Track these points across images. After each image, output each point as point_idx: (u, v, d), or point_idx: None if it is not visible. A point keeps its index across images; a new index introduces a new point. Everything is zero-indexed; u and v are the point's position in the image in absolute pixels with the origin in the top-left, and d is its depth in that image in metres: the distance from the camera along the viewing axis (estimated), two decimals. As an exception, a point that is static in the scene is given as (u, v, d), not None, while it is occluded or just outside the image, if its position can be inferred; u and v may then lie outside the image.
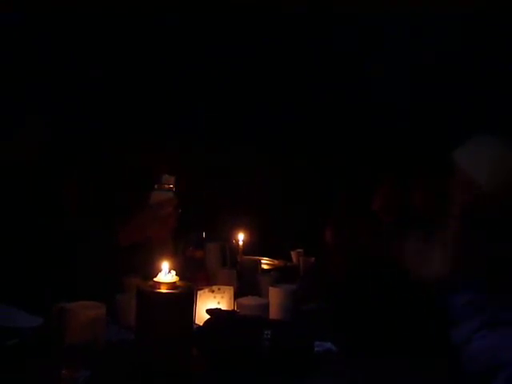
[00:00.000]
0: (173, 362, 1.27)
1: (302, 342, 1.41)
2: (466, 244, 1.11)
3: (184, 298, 1.30)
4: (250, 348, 1.37)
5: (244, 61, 3.33)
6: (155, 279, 1.29)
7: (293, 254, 2.61)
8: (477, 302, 1.06)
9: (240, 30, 3.21)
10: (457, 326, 1.06)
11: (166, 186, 1.75)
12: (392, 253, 1.38)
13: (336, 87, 3.31)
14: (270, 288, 1.78)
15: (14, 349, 1.28)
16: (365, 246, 2.32)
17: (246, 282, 2.02)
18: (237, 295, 1.75)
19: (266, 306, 1.67)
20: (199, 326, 1.49)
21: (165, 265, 1.31)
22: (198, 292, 1.65)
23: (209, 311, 1.50)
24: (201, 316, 1.55)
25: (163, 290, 1.28)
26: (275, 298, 1.74)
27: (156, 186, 1.75)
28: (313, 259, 2.48)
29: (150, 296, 1.27)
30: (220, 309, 1.57)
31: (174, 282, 1.29)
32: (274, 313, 1.71)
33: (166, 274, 1.30)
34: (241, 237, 2.45)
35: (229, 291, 1.73)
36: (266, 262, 2.52)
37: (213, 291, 1.71)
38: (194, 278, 1.79)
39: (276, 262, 2.56)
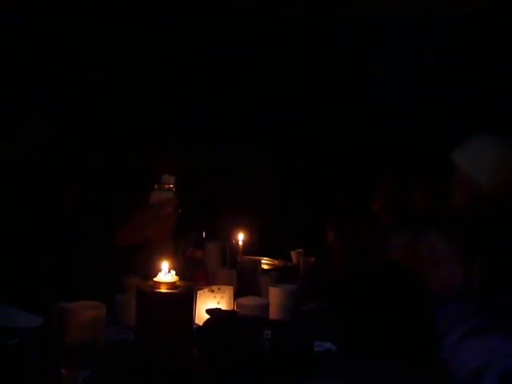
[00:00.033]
0: (173, 361, 1.27)
1: (302, 342, 1.41)
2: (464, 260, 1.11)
3: (184, 298, 1.30)
4: (250, 348, 1.37)
5: (244, 61, 3.33)
6: (155, 279, 1.29)
7: (293, 254, 2.61)
8: (463, 313, 1.06)
9: (240, 29, 3.21)
10: (442, 339, 1.07)
11: (166, 186, 1.75)
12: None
13: (336, 87, 3.31)
14: (270, 288, 1.78)
15: (14, 349, 1.28)
16: (365, 245, 2.33)
17: (245, 282, 2.02)
18: (237, 295, 1.75)
19: (266, 306, 1.67)
20: (199, 325, 1.49)
21: (165, 265, 1.31)
22: (198, 292, 1.65)
23: (209, 311, 1.50)
24: (201, 316, 1.55)
25: (163, 289, 1.28)
26: (275, 298, 1.74)
27: (156, 186, 1.75)
28: (313, 259, 2.48)
29: (150, 296, 1.28)
30: (220, 309, 1.57)
31: (174, 282, 1.29)
32: (273, 313, 1.71)
33: (166, 274, 1.30)
34: (241, 237, 2.45)
35: (229, 291, 1.73)
36: (266, 262, 2.52)
37: (213, 291, 1.71)
38: (193, 278, 1.79)
39: (276, 262, 2.56)
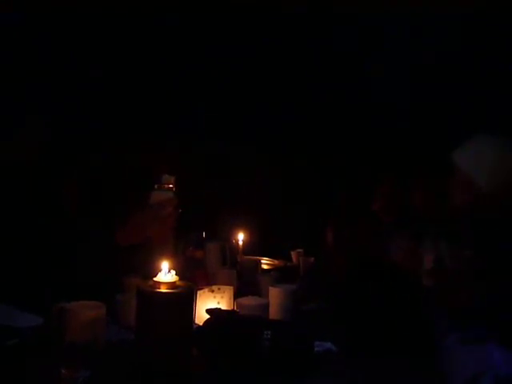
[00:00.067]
0: (173, 361, 1.27)
1: (302, 342, 1.41)
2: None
3: (184, 298, 1.30)
4: (249, 348, 1.37)
5: (244, 61, 3.33)
6: (155, 279, 1.29)
7: (293, 254, 2.61)
8: (452, 324, 1.06)
9: (240, 29, 3.21)
10: (440, 349, 1.07)
11: (166, 186, 1.75)
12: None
13: (336, 87, 3.31)
14: (270, 288, 1.78)
15: (14, 349, 1.28)
16: (365, 246, 2.33)
17: (245, 282, 2.02)
18: (237, 295, 1.75)
19: (266, 306, 1.67)
20: (199, 325, 1.49)
21: (165, 265, 1.31)
22: (198, 292, 1.65)
23: (209, 311, 1.50)
24: (201, 316, 1.55)
25: (163, 289, 1.28)
26: (275, 297, 1.74)
27: (156, 186, 1.75)
28: (313, 259, 2.48)
29: (150, 296, 1.28)
30: (220, 309, 1.57)
31: (174, 282, 1.29)
32: (273, 313, 1.71)
33: (166, 274, 1.30)
34: (241, 237, 2.45)
35: (229, 291, 1.73)
36: (265, 262, 2.52)
37: (213, 291, 1.71)
38: (193, 278, 1.79)
39: (276, 262, 2.56)
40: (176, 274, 1.31)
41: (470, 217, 1.65)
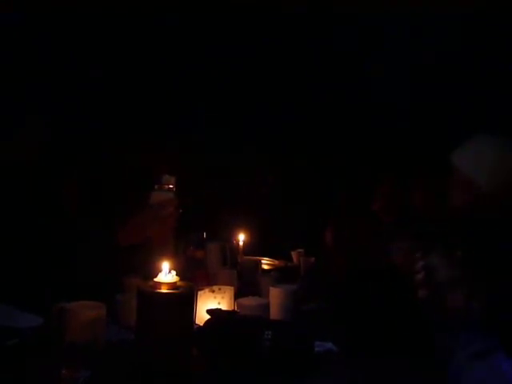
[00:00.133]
0: (173, 361, 1.27)
1: (303, 342, 1.41)
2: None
3: (184, 299, 1.30)
4: (250, 348, 1.37)
5: (244, 61, 3.33)
6: (156, 279, 1.29)
7: (293, 254, 2.61)
8: (464, 338, 1.05)
9: (240, 29, 3.21)
10: (449, 362, 1.06)
11: (167, 187, 1.75)
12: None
13: (336, 87, 3.31)
14: (271, 288, 1.78)
15: (14, 349, 1.28)
16: (365, 246, 2.33)
17: (246, 282, 2.02)
18: (237, 295, 1.75)
19: (267, 306, 1.67)
20: (200, 326, 1.49)
21: (165, 265, 1.31)
22: (199, 292, 1.65)
23: (209, 311, 1.50)
24: (201, 316, 1.55)
25: (164, 290, 1.28)
26: (275, 298, 1.74)
27: (156, 187, 1.75)
28: (313, 259, 2.48)
29: (150, 296, 1.27)
30: (220, 309, 1.57)
31: (175, 282, 1.29)
32: (274, 313, 1.70)
33: (167, 275, 1.29)
34: (241, 237, 2.45)
35: (229, 291, 1.73)
36: (266, 263, 2.52)
37: (213, 291, 1.71)
38: (194, 278, 1.79)
39: (276, 262, 2.56)
40: (176, 275, 1.31)
41: (470, 217, 1.65)
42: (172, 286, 1.29)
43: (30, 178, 1.81)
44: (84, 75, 2.89)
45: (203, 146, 3.28)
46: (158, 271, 1.31)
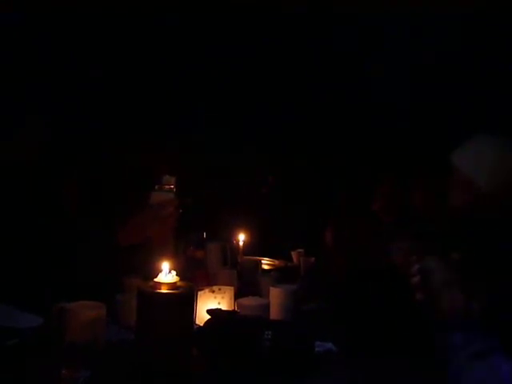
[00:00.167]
0: (173, 361, 1.27)
1: (303, 342, 1.41)
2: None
3: (184, 299, 1.30)
4: (250, 348, 1.37)
5: (244, 61, 3.33)
6: (156, 279, 1.29)
7: (293, 254, 2.61)
8: (464, 339, 1.05)
9: (240, 29, 3.21)
10: (449, 362, 1.06)
11: (167, 187, 1.75)
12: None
13: (336, 87, 3.32)
14: (271, 288, 1.78)
15: (14, 349, 1.28)
16: (365, 246, 2.33)
17: (246, 283, 2.02)
18: (237, 295, 1.75)
19: (267, 307, 1.67)
20: (200, 326, 1.49)
21: (165, 265, 1.31)
22: (199, 292, 1.65)
23: (209, 311, 1.50)
24: (201, 316, 1.55)
25: (164, 290, 1.28)
26: (276, 298, 1.74)
27: (156, 187, 1.75)
28: (313, 259, 2.48)
29: (150, 296, 1.27)
30: (220, 309, 1.57)
31: (175, 283, 1.29)
32: (274, 313, 1.70)
33: (167, 275, 1.30)
34: (241, 237, 2.45)
35: (229, 291, 1.73)
36: (266, 263, 2.52)
37: (213, 291, 1.71)
38: (194, 279, 1.79)
39: (276, 262, 2.56)
40: (176, 275, 1.31)
41: (470, 217, 1.65)
42: (172, 286, 1.29)
43: (30, 177, 1.81)
44: (84, 75, 2.89)
45: (203, 146, 3.28)
46: (158, 271, 1.31)
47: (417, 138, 3.05)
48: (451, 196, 1.76)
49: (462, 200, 1.70)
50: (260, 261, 2.36)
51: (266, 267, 2.44)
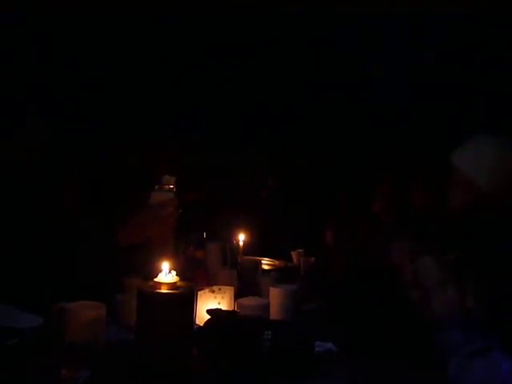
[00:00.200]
0: (173, 361, 1.27)
1: (303, 342, 1.41)
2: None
3: (184, 299, 1.30)
4: (250, 348, 1.37)
5: (244, 61, 3.34)
6: (156, 279, 1.29)
7: (293, 255, 2.61)
8: (463, 338, 1.05)
9: (240, 29, 3.21)
10: (449, 362, 1.06)
11: (167, 187, 1.75)
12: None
13: (336, 87, 3.32)
14: (271, 288, 1.77)
15: (14, 349, 1.28)
16: (365, 246, 2.33)
17: (246, 283, 2.01)
18: (237, 295, 1.75)
19: (267, 307, 1.67)
20: (199, 326, 1.49)
21: (165, 265, 1.31)
22: (199, 292, 1.65)
23: (209, 311, 1.50)
24: (201, 316, 1.55)
25: (164, 290, 1.28)
26: (276, 298, 1.74)
27: (156, 187, 1.75)
28: (313, 259, 2.48)
29: (150, 296, 1.27)
30: (220, 309, 1.57)
31: (175, 283, 1.29)
32: (274, 313, 1.70)
33: (167, 275, 1.29)
34: (241, 237, 2.45)
35: (229, 291, 1.73)
36: (266, 263, 2.52)
37: (213, 291, 1.71)
38: (194, 279, 1.79)
39: (276, 262, 2.56)
40: (176, 275, 1.31)
41: (470, 217, 1.65)
42: (172, 286, 1.29)
43: (30, 177, 1.81)
44: (84, 75, 2.89)
45: (203, 146, 3.28)
46: (158, 271, 1.30)
47: (417, 139, 3.06)
48: (451, 196, 1.76)
49: (462, 200, 1.70)
50: (260, 261, 2.36)
51: (266, 267, 2.44)
